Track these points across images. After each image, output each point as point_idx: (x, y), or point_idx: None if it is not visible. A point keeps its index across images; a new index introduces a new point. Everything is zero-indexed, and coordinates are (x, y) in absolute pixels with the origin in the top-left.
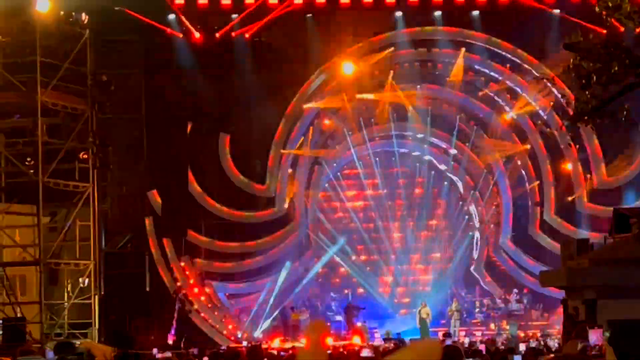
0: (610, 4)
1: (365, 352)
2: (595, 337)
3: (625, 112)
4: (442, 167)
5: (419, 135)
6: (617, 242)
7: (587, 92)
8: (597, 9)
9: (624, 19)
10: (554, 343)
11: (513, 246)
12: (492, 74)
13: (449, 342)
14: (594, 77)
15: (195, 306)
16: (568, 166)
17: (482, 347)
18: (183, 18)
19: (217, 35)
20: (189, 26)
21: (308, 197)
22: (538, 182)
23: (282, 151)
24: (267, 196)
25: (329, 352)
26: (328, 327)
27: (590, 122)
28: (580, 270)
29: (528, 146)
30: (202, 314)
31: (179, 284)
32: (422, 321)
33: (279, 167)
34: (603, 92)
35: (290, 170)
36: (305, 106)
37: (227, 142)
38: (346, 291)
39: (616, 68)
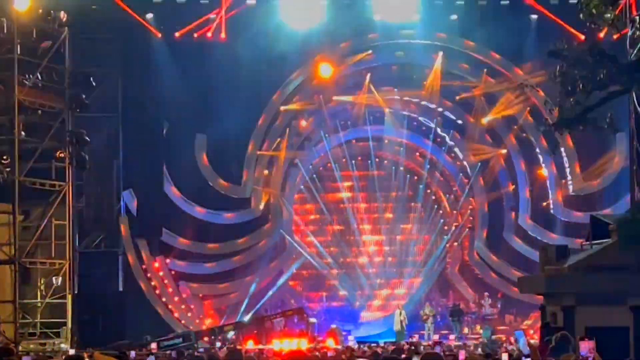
0: (594, 11)
1: None
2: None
3: (608, 120)
4: (418, 170)
5: (395, 138)
6: (597, 248)
7: (571, 99)
8: (580, 15)
9: (608, 26)
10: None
11: (487, 250)
12: (468, 78)
13: (438, 349)
14: (580, 85)
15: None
16: (543, 171)
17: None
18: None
19: (195, 34)
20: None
21: (283, 198)
22: (513, 186)
23: (259, 152)
24: (242, 197)
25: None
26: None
27: (572, 129)
28: (559, 276)
29: (504, 150)
30: (175, 314)
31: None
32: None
33: (255, 168)
34: (586, 100)
35: (266, 172)
36: (282, 108)
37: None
38: (323, 294)
39: (602, 76)
